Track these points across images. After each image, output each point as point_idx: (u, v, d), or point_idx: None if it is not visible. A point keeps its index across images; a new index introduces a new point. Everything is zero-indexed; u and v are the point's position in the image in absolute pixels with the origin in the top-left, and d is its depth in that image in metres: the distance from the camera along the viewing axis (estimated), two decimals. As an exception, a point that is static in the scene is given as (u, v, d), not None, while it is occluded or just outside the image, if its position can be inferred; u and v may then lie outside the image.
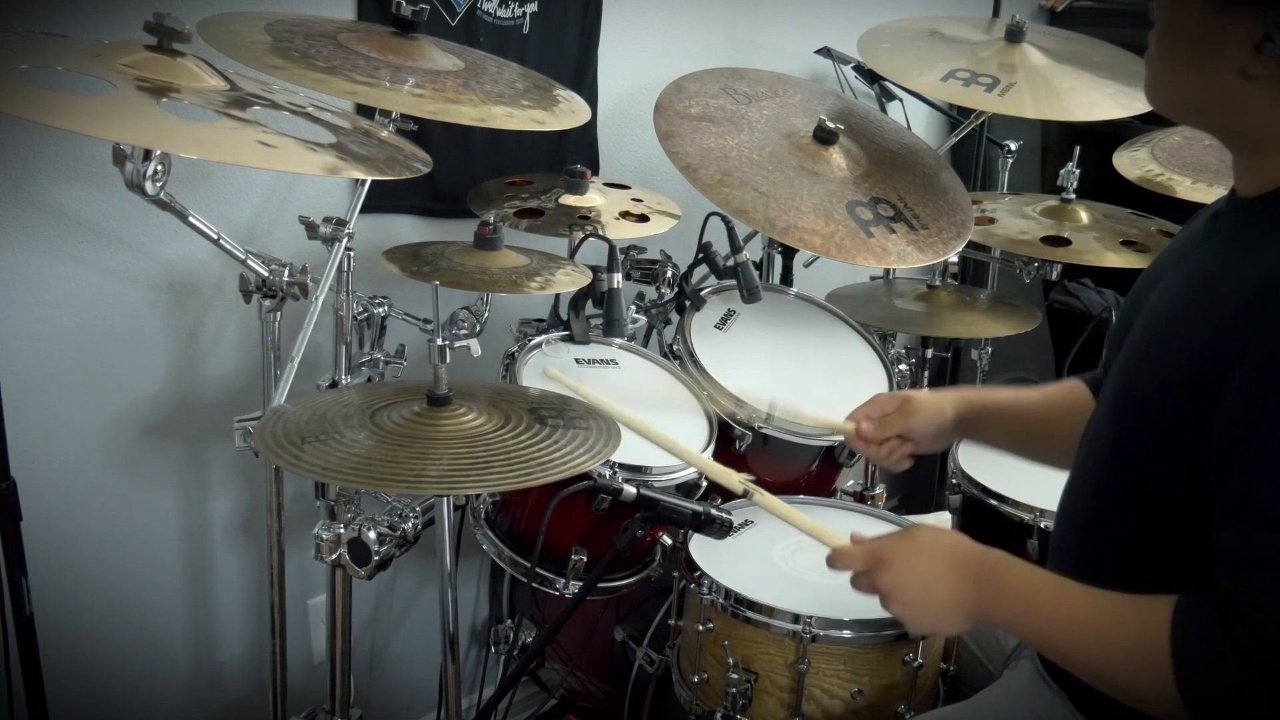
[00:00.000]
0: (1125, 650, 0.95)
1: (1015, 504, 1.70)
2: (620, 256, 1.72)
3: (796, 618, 1.32)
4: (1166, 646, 0.90)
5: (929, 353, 2.22)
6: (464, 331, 1.57)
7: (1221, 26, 0.92)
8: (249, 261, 1.40)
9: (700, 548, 1.46)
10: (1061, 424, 1.30)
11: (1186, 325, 0.96)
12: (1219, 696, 0.88)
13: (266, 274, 1.41)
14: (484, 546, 1.60)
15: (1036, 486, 1.69)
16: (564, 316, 1.77)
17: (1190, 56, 0.97)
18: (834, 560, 1.18)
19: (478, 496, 1.61)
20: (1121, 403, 1.04)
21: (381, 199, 1.74)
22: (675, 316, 1.85)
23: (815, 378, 1.84)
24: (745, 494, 1.31)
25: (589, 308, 1.74)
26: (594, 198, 1.82)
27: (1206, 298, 0.95)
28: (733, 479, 1.29)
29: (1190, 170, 2.09)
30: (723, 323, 1.85)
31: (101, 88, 1.04)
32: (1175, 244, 1.15)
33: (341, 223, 1.46)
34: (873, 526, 1.61)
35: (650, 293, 1.91)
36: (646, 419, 1.60)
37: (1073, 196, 2.16)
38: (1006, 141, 2.46)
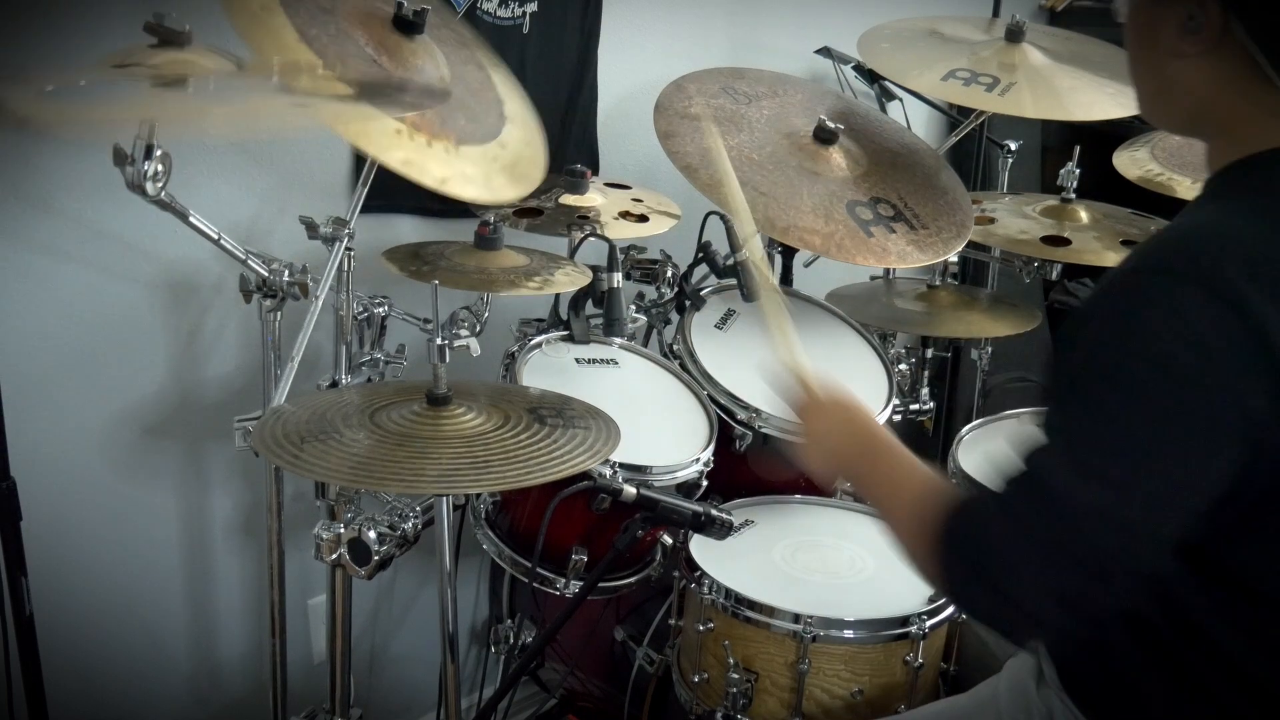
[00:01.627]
0: (904, 508, 1.00)
1: (1015, 504, 1.70)
2: (620, 256, 1.72)
3: (797, 617, 1.32)
4: (939, 511, 0.93)
5: (929, 352, 2.21)
6: (464, 331, 1.56)
7: (1158, 12, 0.98)
8: (249, 261, 1.40)
9: (700, 548, 1.46)
10: None
11: None
12: (969, 557, 0.90)
13: (266, 274, 1.41)
14: (484, 546, 1.60)
15: (1036, 486, 1.69)
16: (564, 316, 1.77)
17: (1141, 50, 1.03)
18: (779, 385, 1.22)
19: (478, 496, 1.61)
20: None
21: (381, 199, 1.74)
22: (675, 316, 1.85)
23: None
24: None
25: (589, 308, 1.74)
26: (594, 197, 1.82)
27: None
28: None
29: (1190, 170, 2.09)
30: (723, 323, 1.85)
31: (130, 88, 1.05)
32: None
33: (341, 222, 1.46)
34: (873, 526, 1.61)
35: (650, 293, 1.91)
36: (646, 419, 1.61)
37: (1073, 196, 2.16)
38: (1006, 141, 2.46)
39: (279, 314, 1.46)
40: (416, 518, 1.47)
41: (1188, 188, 2.05)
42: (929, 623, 1.36)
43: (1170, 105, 1.04)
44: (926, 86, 2.00)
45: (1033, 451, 0.89)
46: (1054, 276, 2.13)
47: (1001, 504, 0.90)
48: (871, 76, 2.38)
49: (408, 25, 1.47)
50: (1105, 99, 1.94)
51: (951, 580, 0.93)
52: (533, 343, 1.68)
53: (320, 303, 1.40)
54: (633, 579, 1.61)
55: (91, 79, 1.08)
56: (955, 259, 2.10)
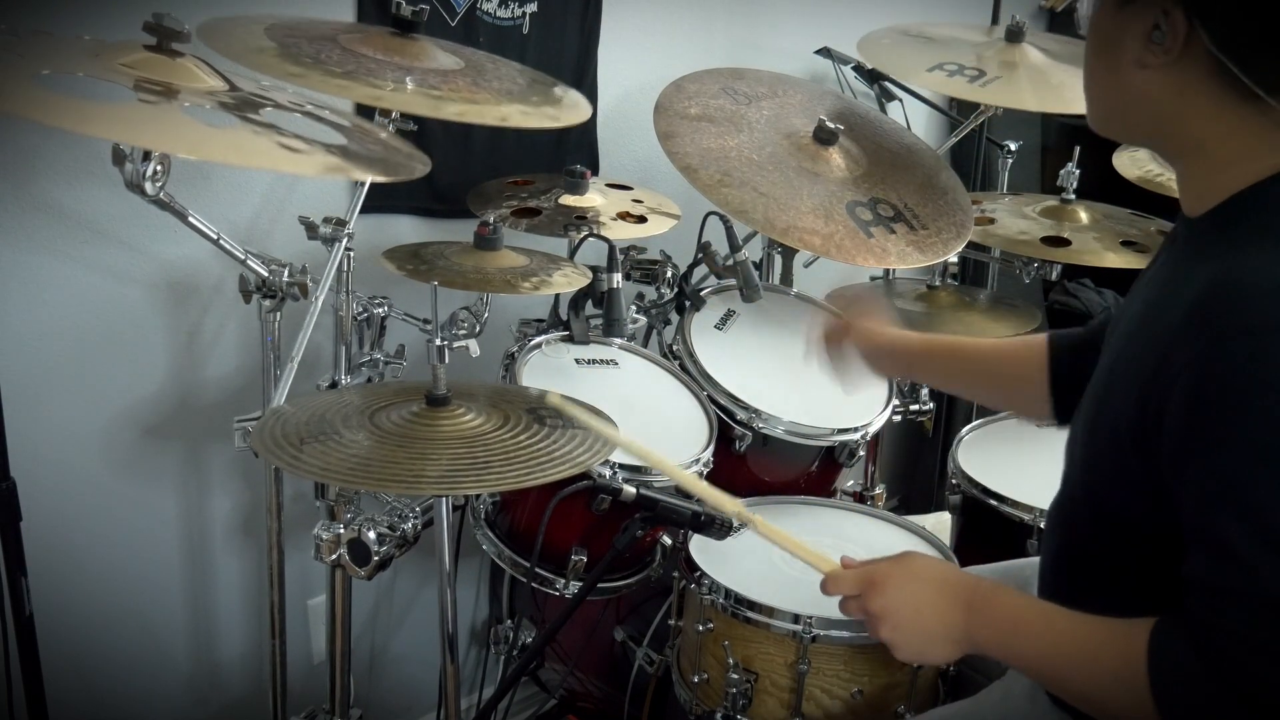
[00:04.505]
0: (1107, 675, 0.96)
1: (1015, 504, 1.70)
2: (620, 256, 1.72)
3: (796, 618, 1.32)
4: (1144, 672, 0.92)
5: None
6: (463, 332, 1.57)
7: (1123, 21, 0.96)
8: (249, 261, 1.40)
9: (700, 548, 1.46)
10: (1008, 375, 1.37)
11: (1136, 352, 0.98)
12: (1198, 717, 0.90)
13: (266, 274, 1.41)
14: (484, 546, 1.60)
15: (1036, 486, 1.69)
16: (564, 317, 1.77)
17: (1104, 57, 1.01)
18: (827, 585, 1.18)
19: (477, 497, 1.61)
20: (1090, 426, 1.05)
21: (381, 199, 1.74)
22: (675, 316, 1.85)
23: (814, 378, 1.84)
24: (740, 526, 1.30)
25: (589, 308, 1.74)
26: (594, 198, 1.82)
27: (1152, 324, 0.97)
28: (728, 507, 1.27)
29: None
30: (723, 323, 1.85)
31: (122, 93, 1.05)
32: (1146, 268, 1.16)
33: (341, 223, 1.46)
34: (873, 527, 1.62)
35: (650, 293, 1.91)
36: (646, 419, 1.61)
37: (1072, 197, 2.16)
38: (1006, 141, 2.46)
39: (279, 314, 1.46)
40: (416, 518, 1.47)
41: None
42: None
43: (1132, 119, 1.02)
44: (914, 78, 2.00)
45: (1215, 540, 0.88)
46: (1054, 277, 2.13)
47: (1219, 613, 0.88)
48: (871, 77, 2.38)
49: (406, 25, 1.48)
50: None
51: (1203, 709, 0.89)
52: (532, 343, 1.68)
53: (320, 303, 1.40)
54: (632, 579, 1.61)
55: (90, 72, 1.07)
56: (955, 259, 2.10)
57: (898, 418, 2.02)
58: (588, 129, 2.08)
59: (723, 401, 1.68)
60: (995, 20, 2.48)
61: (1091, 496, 1.06)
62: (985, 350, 1.43)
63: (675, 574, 1.50)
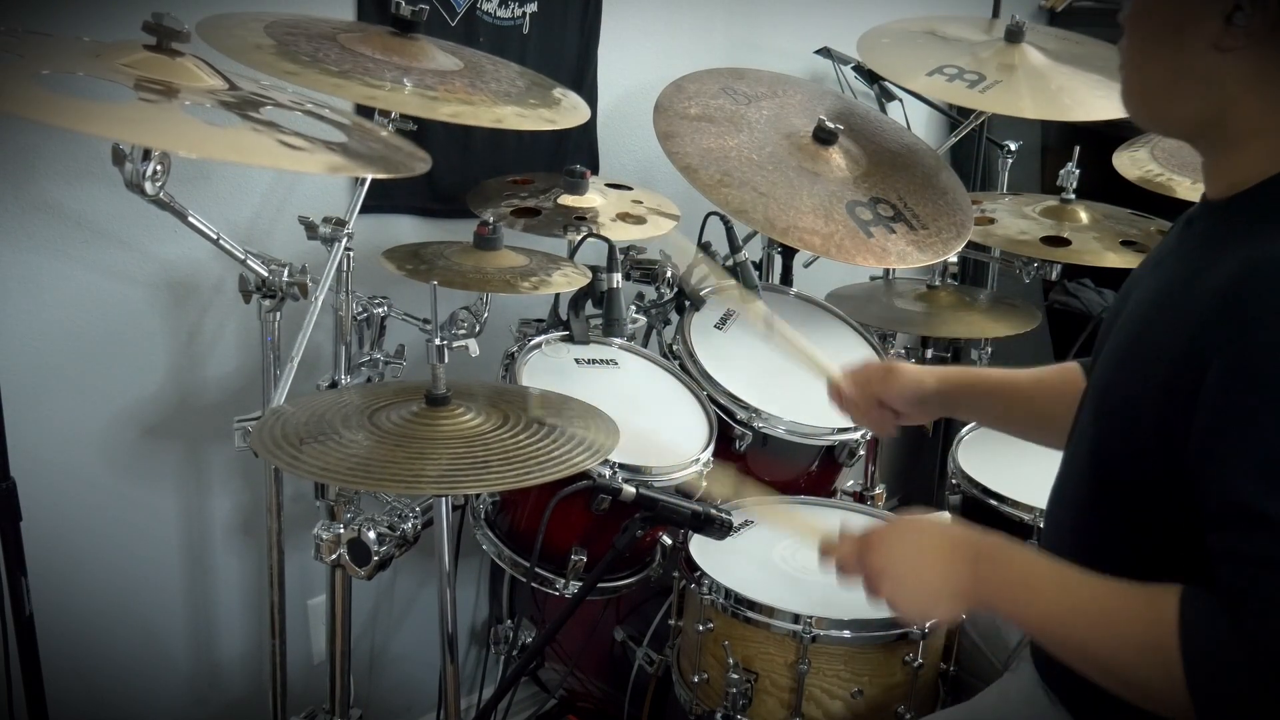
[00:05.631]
0: (1133, 643, 0.93)
1: (1015, 504, 1.70)
2: (620, 256, 1.72)
3: (797, 618, 1.32)
4: (1175, 640, 0.89)
5: (929, 353, 2.22)
6: (463, 332, 1.57)
7: (1194, 3, 0.94)
8: (249, 261, 1.40)
9: (700, 547, 1.46)
10: (1051, 407, 1.31)
11: (1158, 334, 0.97)
12: (1229, 690, 0.87)
13: (266, 274, 1.41)
14: (484, 546, 1.60)
15: (1036, 486, 1.68)
16: (564, 317, 1.77)
17: (1164, 39, 0.98)
18: (824, 549, 1.14)
19: (477, 496, 1.61)
20: (1100, 409, 1.05)
21: (381, 199, 1.74)
22: (675, 317, 1.85)
23: (814, 378, 1.84)
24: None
25: (589, 308, 1.74)
26: (593, 198, 1.82)
27: (1176, 306, 0.96)
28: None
29: (1190, 170, 2.09)
30: (722, 323, 1.85)
31: (122, 93, 1.05)
32: (1154, 250, 1.16)
33: (341, 223, 1.46)
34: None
35: (650, 293, 1.91)
36: (646, 419, 1.61)
37: (1072, 196, 2.16)
38: (1006, 141, 2.46)
39: (278, 314, 1.46)
40: (416, 518, 1.47)
41: (1188, 188, 2.05)
42: (929, 623, 1.35)
43: (1182, 103, 0.99)
44: (913, 82, 2.00)
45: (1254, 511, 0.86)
46: (1054, 277, 2.13)
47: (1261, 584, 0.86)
48: (871, 76, 2.38)
49: (405, 25, 1.48)
50: (1097, 100, 1.94)
51: (1235, 682, 0.86)
52: (532, 343, 1.68)
53: (320, 303, 1.40)
54: (632, 579, 1.61)
55: (90, 71, 1.07)
56: (955, 259, 2.10)
57: (898, 417, 2.01)
58: (588, 129, 2.08)
59: (723, 401, 1.68)
60: (996, 14, 2.48)
61: (1104, 481, 1.04)
62: (1024, 386, 1.38)
63: (675, 574, 1.50)
